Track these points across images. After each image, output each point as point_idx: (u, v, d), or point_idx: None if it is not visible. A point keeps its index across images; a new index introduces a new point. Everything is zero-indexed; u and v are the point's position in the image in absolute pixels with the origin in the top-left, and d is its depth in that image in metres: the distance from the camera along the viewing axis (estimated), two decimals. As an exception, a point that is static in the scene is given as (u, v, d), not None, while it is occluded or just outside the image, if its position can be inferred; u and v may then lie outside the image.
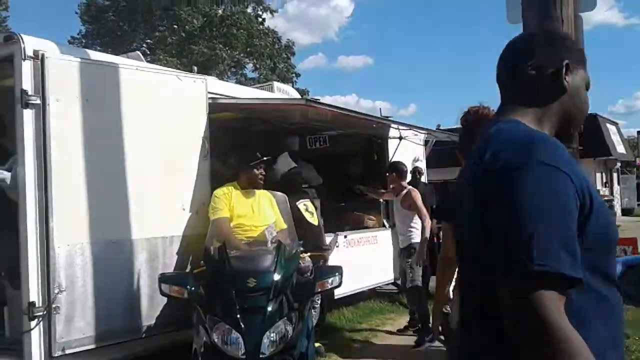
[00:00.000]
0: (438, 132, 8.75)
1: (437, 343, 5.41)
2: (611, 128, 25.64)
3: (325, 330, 6.24)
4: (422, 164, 7.92)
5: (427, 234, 5.77)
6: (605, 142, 23.19)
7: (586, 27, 4.02)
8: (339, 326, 6.56)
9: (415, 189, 6.11)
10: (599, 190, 23.13)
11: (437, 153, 9.14)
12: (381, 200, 7.46)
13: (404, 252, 6.08)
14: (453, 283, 2.93)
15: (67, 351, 3.88)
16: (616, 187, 27.84)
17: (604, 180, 25.69)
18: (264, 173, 4.66)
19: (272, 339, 3.39)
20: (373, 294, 8.01)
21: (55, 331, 3.83)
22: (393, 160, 6.88)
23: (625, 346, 5.13)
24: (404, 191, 6.02)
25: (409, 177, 7.52)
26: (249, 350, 3.33)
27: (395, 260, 7.66)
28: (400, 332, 6.35)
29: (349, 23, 65.34)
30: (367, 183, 8.00)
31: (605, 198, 20.95)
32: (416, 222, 5.94)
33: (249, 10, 29.42)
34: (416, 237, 5.94)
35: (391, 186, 6.24)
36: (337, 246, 6.26)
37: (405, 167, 6.35)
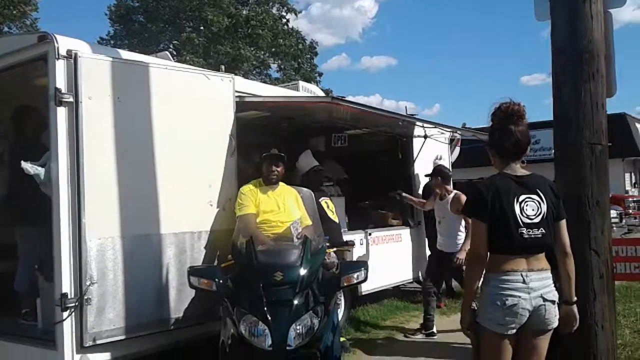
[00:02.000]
0: (464, 130, 8.72)
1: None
2: (640, 127, 25.14)
3: (350, 326, 6.28)
4: (445, 163, 7.88)
5: None
6: (634, 142, 22.74)
7: (615, 26, 3.98)
8: (363, 323, 6.59)
9: (462, 194, 5.97)
10: (627, 191, 22.77)
11: (462, 153, 9.12)
12: (419, 208, 7.36)
13: (446, 259, 5.89)
14: (481, 280, 2.94)
15: (98, 341, 3.98)
16: (646, 188, 27.27)
17: (634, 181, 25.21)
18: (278, 170, 4.66)
19: (298, 331, 3.42)
20: (397, 291, 8.03)
21: (86, 322, 3.93)
22: (438, 164, 6.83)
23: (617, 320, 5.17)
24: (452, 195, 6.01)
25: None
26: (276, 342, 3.37)
27: (420, 259, 7.66)
28: (412, 334, 6.11)
29: (373, 24, 65.29)
30: (392, 181, 8.03)
31: (634, 199, 20.56)
32: (462, 228, 5.86)
33: (274, 10, 29.61)
34: None
35: (436, 190, 6.23)
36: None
37: (450, 171, 6.36)
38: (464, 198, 5.81)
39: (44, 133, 4.77)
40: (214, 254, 4.61)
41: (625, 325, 6.00)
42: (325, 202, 5.61)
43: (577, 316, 2.96)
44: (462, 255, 5.61)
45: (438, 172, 6.26)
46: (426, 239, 7.65)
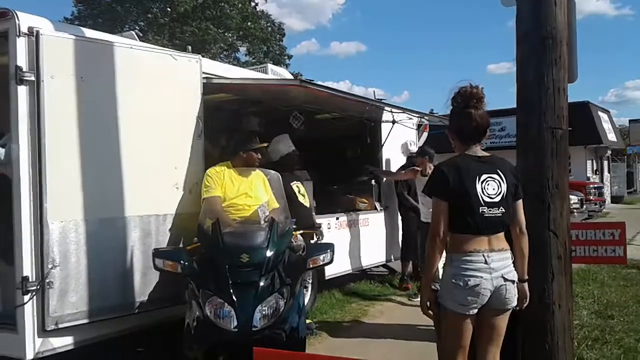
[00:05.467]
0: (431, 116, 8.81)
1: None
2: (602, 116, 25.71)
3: (316, 309, 6.33)
4: (414, 147, 7.96)
5: None
6: (596, 130, 23.25)
7: (578, 17, 4.05)
8: (330, 306, 6.65)
9: None
10: (589, 178, 23.34)
11: (430, 138, 9.22)
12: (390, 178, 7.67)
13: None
14: (443, 259, 2.99)
15: (60, 325, 3.93)
16: (606, 175, 27.99)
17: (595, 168, 25.82)
18: (260, 158, 4.76)
19: (263, 312, 3.45)
20: (364, 275, 8.12)
21: (48, 306, 3.87)
22: (421, 145, 7.32)
23: (610, 327, 5.35)
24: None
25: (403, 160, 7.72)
26: (241, 323, 3.39)
27: (388, 243, 7.78)
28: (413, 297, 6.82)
29: (343, 10, 65.13)
30: (360, 166, 8.07)
31: (595, 185, 21.09)
32: None
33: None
34: None
35: (419, 167, 6.70)
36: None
37: (434, 152, 6.81)
38: None
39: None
40: (180, 237, 4.58)
41: (583, 306, 6.19)
42: (296, 185, 5.64)
43: (528, 294, 3.05)
44: None
45: (424, 152, 6.80)
46: (400, 221, 7.80)
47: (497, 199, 2.89)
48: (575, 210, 15.60)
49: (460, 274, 2.84)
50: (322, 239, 5.51)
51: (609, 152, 28.33)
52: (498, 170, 2.95)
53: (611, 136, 25.94)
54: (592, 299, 6.61)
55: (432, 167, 6.23)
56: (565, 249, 3.53)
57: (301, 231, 4.72)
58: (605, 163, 28.32)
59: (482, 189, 2.87)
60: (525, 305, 3.06)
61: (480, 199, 2.86)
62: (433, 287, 3.01)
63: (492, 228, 2.89)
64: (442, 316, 2.97)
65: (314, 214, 5.89)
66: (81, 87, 4.06)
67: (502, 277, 2.87)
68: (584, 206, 17.86)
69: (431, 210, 5.92)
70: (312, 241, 5.09)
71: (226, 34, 27.55)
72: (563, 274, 3.52)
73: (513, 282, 2.92)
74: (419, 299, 6.16)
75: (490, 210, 2.87)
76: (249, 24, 28.12)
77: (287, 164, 5.79)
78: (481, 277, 2.82)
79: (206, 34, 25.77)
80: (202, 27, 26.13)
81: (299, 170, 6.92)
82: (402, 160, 7.96)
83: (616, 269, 8.18)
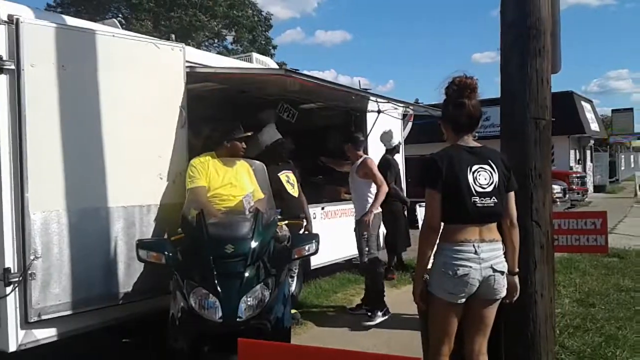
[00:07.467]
0: (416, 106, 8.83)
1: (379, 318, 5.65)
2: (586, 106, 25.91)
3: (302, 299, 6.35)
4: (396, 136, 7.92)
5: (380, 201, 5.69)
6: (579, 120, 23.44)
7: (562, 7, 4.06)
8: (316, 295, 6.67)
9: (370, 158, 6.12)
10: (572, 167, 23.57)
11: (415, 128, 9.25)
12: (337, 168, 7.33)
13: (360, 226, 5.86)
14: (434, 250, 2.99)
15: (43, 317, 3.90)
16: (589, 164, 28.29)
17: (577, 157, 26.07)
18: (245, 147, 4.73)
19: (248, 303, 3.44)
20: (349, 265, 8.14)
21: (31, 297, 3.84)
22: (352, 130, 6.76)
23: (591, 315, 5.42)
24: (360, 160, 5.97)
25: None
26: (226, 314, 3.37)
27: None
28: (352, 310, 6.17)
29: (329, -3, 64.90)
30: (345, 156, 8.06)
31: (578, 175, 21.31)
32: (372, 193, 5.83)
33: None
34: None
35: (348, 156, 6.22)
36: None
37: (362, 136, 6.35)
38: (370, 162, 5.95)
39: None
40: (164, 227, 4.54)
41: (565, 295, 6.27)
42: (285, 175, 5.62)
43: (518, 286, 3.07)
44: (369, 217, 5.61)
45: (348, 137, 6.21)
46: None
47: (489, 189, 2.90)
48: (558, 200, 15.76)
49: (450, 262, 2.85)
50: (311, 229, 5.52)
51: (592, 141, 28.61)
52: (489, 161, 2.96)
53: (594, 126, 26.16)
54: (574, 287, 6.70)
55: (359, 154, 6.04)
56: (547, 239, 3.56)
57: (286, 221, 4.72)
58: (588, 152, 28.60)
59: (473, 179, 2.88)
60: (515, 298, 3.09)
61: (472, 189, 2.87)
62: (424, 277, 3.02)
63: (484, 218, 2.90)
64: (430, 304, 2.99)
65: (304, 204, 5.84)
66: (62, 76, 4.01)
67: (492, 267, 2.88)
68: (567, 195, 18.03)
69: (367, 203, 5.78)
70: (300, 232, 5.08)
71: (212, 22, 27.28)
72: (545, 263, 3.55)
73: (502, 273, 2.93)
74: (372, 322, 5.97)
75: (482, 200, 2.88)
76: (234, 11, 27.88)
77: (274, 153, 5.76)
78: (470, 267, 2.83)
79: (193, 20, 25.53)
80: (189, 14, 25.88)
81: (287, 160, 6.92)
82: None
83: (598, 258, 8.30)
